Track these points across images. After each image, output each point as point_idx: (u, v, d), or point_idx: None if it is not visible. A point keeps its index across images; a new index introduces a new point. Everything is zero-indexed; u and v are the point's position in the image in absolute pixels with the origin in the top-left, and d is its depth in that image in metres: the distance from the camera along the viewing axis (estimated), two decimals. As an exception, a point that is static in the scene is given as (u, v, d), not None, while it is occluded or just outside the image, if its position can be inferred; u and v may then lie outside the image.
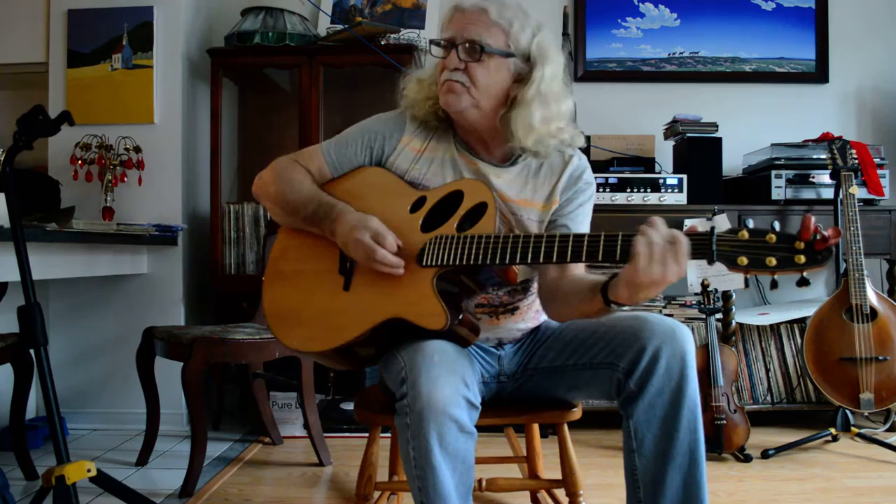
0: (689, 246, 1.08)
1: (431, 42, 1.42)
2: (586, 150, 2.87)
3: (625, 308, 1.22)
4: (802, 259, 1.02)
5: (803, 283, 1.04)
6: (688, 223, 1.12)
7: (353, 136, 1.51)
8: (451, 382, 1.18)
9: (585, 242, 1.17)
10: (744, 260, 1.05)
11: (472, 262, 1.24)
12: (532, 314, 1.52)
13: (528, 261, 1.21)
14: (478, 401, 1.24)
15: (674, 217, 2.63)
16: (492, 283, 1.35)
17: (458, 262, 1.25)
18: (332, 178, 1.50)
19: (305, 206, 1.42)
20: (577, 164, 1.47)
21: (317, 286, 1.40)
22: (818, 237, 1.01)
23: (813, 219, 1.02)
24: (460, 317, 1.25)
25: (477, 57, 1.36)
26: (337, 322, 1.33)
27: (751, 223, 1.07)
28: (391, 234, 1.30)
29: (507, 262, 1.22)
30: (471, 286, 1.33)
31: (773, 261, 1.03)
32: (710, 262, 1.08)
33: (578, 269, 1.40)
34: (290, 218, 1.47)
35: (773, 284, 1.07)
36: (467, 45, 1.36)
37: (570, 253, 1.18)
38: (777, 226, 1.05)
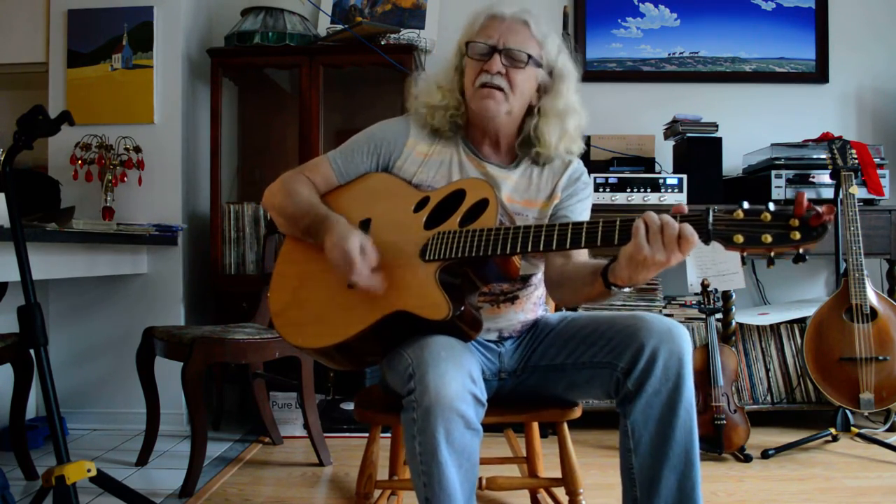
0: (690, 226, 1.10)
1: (469, 43, 1.46)
2: (586, 150, 2.87)
3: (625, 290, 1.25)
4: (798, 235, 1.03)
5: (799, 259, 1.05)
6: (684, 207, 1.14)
7: (358, 143, 1.55)
8: (458, 378, 1.19)
9: (584, 229, 1.20)
10: (740, 238, 1.06)
11: (473, 254, 1.26)
12: (531, 306, 1.55)
13: (529, 250, 1.23)
14: (484, 397, 1.24)
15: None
16: (494, 277, 1.36)
17: (459, 254, 1.27)
18: (338, 186, 1.53)
19: (303, 218, 1.45)
20: (576, 166, 1.56)
21: (321, 284, 1.41)
22: (812, 213, 1.02)
23: (806, 195, 1.04)
24: (462, 308, 1.26)
25: (522, 65, 1.44)
26: (341, 318, 1.34)
27: (745, 204, 1.08)
28: (357, 262, 1.29)
29: (507, 252, 1.24)
30: (473, 280, 1.34)
31: (768, 238, 1.05)
32: (707, 242, 1.10)
33: (582, 256, 1.44)
34: (291, 229, 1.50)
35: (770, 262, 1.09)
36: (514, 52, 1.43)
37: (569, 240, 1.20)
38: (772, 205, 1.07)
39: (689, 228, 1.09)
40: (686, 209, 1.13)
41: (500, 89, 1.43)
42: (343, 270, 1.30)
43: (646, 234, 1.11)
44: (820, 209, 1.02)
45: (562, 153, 1.52)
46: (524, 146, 1.53)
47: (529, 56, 1.44)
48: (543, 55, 1.47)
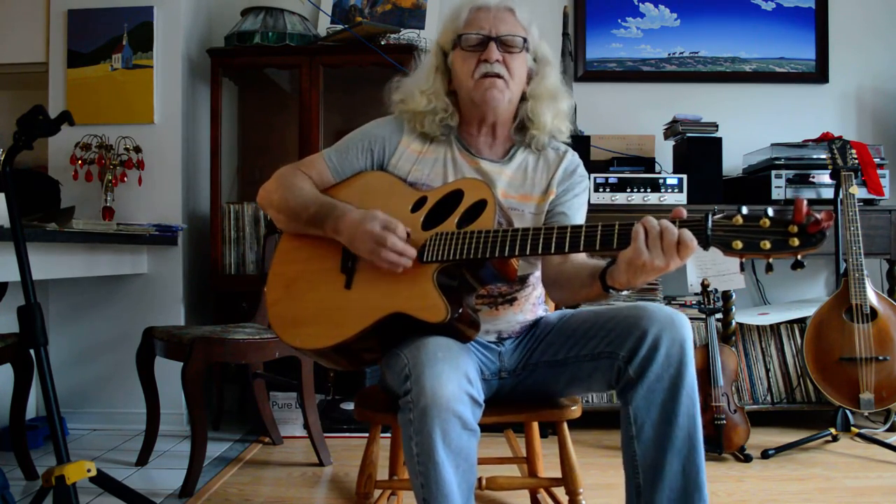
0: (690, 233, 1.10)
1: (461, 36, 1.47)
2: (586, 150, 2.87)
3: (623, 293, 1.25)
4: (796, 242, 1.03)
5: (798, 265, 1.05)
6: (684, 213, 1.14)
7: (353, 141, 1.55)
8: (454, 378, 1.19)
9: (583, 232, 1.19)
10: (738, 244, 1.06)
11: (471, 256, 1.25)
12: (530, 306, 1.54)
13: (527, 252, 1.23)
14: (481, 398, 1.24)
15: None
16: (492, 278, 1.36)
17: (458, 256, 1.26)
18: (334, 184, 1.52)
19: (307, 208, 1.44)
20: (570, 159, 1.56)
21: (319, 285, 1.40)
22: (811, 220, 1.02)
23: (805, 202, 1.04)
24: (460, 310, 1.26)
25: (517, 50, 1.46)
26: (338, 319, 1.34)
27: (745, 209, 1.09)
28: (401, 224, 1.31)
29: (506, 254, 1.24)
30: (471, 282, 1.34)
31: (767, 244, 1.05)
32: (706, 248, 1.09)
33: (581, 255, 1.42)
34: (292, 223, 1.48)
35: (769, 268, 1.09)
36: (508, 38, 1.45)
37: (568, 243, 1.20)
38: (770, 211, 1.07)
39: (688, 234, 1.09)
40: (685, 213, 1.12)
41: (501, 77, 1.44)
42: (369, 249, 1.30)
43: (645, 239, 1.11)
44: (819, 216, 1.02)
45: (555, 131, 1.53)
46: (519, 131, 1.54)
47: (524, 40, 1.47)
48: (530, 40, 1.49)
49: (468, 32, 1.46)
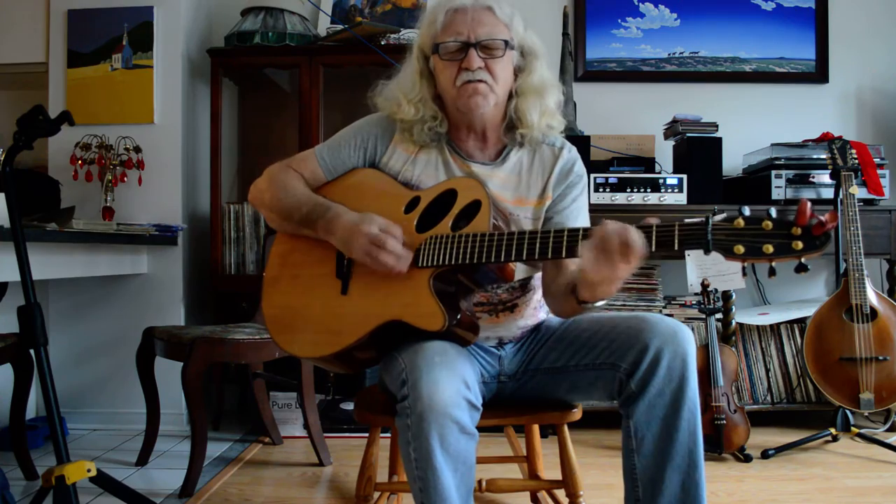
0: (641, 240, 1.08)
1: (439, 45, 1.40)
2: (586, 150, 2.87)
3: (596, 306, 1.24)
4: (800, 245, 1.00)
5: (801, 269, 1.01)
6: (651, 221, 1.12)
7: (345, 137, 1.52)
8: (452, 384, 1.18)
9: (580, 236, 1.18)
10: (740, 248, 1.03)
11: (466, 261, 1.24)
12: (531, 312, 1.52)
13: (523, 257, 1.22)
14: (479, 402, 1.24)
15: (673, 217, 2.62)
16: (489, 281, 1.35)
17: (453, 261, 1.25)
18: (326, 182, 1.51)
19: (299, 208, 1.42)
20: (567, 156, 1.49)
21: (314, 291, 1.40)
22: (815, 222, 0.99)
23: (809, 204, 1.01)
24: (458, 316, 1.25)
25: (500, 53, 1.39)
26: (336, 327, 1.33)
27: (746, 210, 1.06)
28: (399, 227, 1.30)
29: (501, 259, 1.22)
30: (468, 285, 1.33)
31: (769, 248, 1.02)
32: (707, 252, 1.06)
33: (573, 267, 1.40)
34: (285, 223, 1.47)
35: (771, 272, 1.06)
36: (488, 42, 1.38)
37: (564, 248, 1.18)
38: (773, 212, 1.04)
39: (633, 235, 1.08)
40: (654, 222, 1.11)
41: (484, 82, 1.38)
42: (365, 250, 1.28)
43: (593, 257, 1.12)
44: (823, 218, 0.99)
45: (543, 129, 1.47)
46: (508, 131, 1.48)
47: (505, 42, 1.39)
48: (514, 36, 1.42)
49: (446, 40, 1.38)
